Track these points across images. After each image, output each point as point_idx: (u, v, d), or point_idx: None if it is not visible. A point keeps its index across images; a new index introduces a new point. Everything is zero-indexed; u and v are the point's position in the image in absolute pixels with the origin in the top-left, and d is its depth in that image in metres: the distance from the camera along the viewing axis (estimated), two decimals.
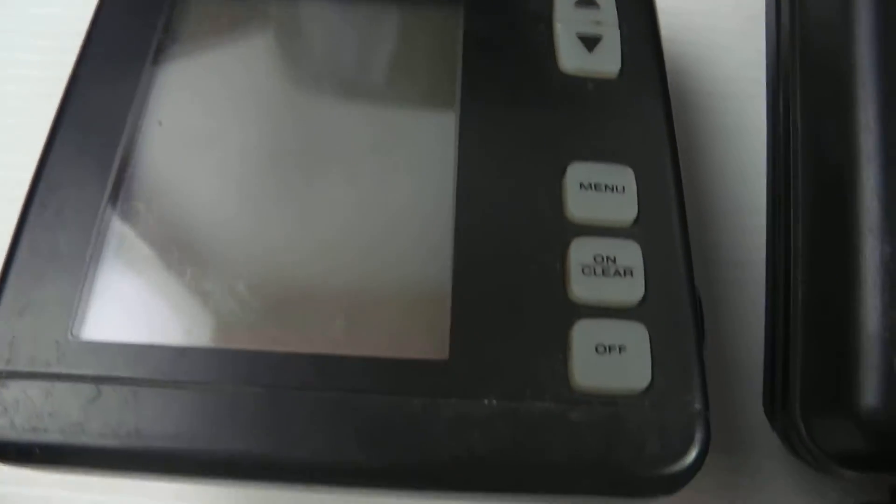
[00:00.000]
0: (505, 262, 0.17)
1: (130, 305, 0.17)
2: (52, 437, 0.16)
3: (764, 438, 0.21)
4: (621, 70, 0.20)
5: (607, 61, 0.20)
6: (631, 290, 0.17)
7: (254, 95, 0.20)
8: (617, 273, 0.17)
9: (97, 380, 0.16)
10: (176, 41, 0.21)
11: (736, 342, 0.23)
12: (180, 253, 0.18)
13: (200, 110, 0.20)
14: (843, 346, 0.17)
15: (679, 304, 0.17)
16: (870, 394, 0.17)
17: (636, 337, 0.16)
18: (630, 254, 0.17)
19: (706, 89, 0.26)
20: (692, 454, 0.16)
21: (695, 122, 0.26)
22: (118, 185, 0.18)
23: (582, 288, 0.17)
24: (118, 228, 0.18)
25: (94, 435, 0.15)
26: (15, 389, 0.16)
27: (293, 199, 0.18)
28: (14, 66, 0.27)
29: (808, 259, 0.19)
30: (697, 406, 0.16)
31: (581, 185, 0.18)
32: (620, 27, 0.20)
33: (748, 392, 0.22)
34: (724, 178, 0.25)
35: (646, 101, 0.19)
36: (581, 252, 0.17)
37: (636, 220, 0.18)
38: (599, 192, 0.18)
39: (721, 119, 0.26)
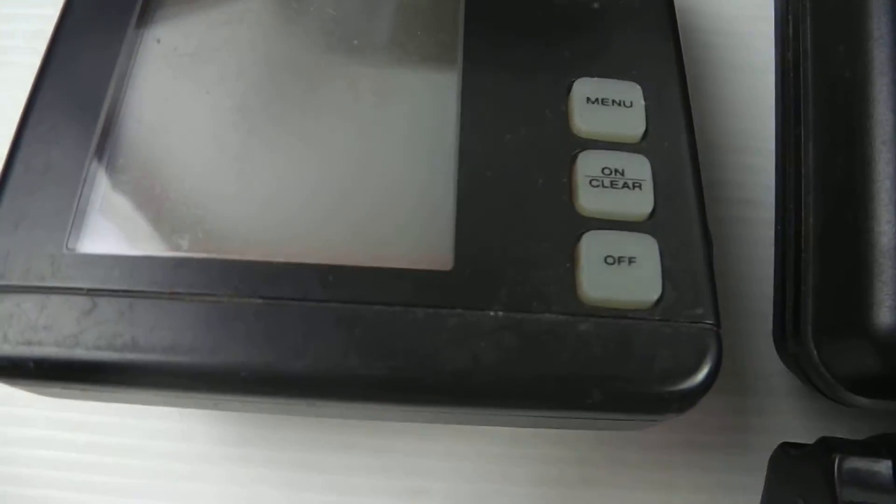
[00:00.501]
0: (510, 174, 0.17)
1: (126, 218, 0.17)
2: (47, 350, 0.15)
3: (776, 370, 0.21)
4: None
5: None
6: (640, 203, 0.16)
7: (249, 49, 0.19)
8: (626, 186, 0.16)
9: (92, 292, 0.16)
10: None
11: (744, 279, 0.22)
12: (178, 167, 0.17)
13: (200, 29, 0.19)
14: (857, 264, 0.17)
15: (689, 219, 0.16)
16: (885, 311, 0.16)
17: (646, 249, 0.16)
18: (639, 167, 0.17)
19: (713, 27, 0.26)
20: (704, 370, 0.15)
21: (702, 58, 0.25)
22: (114, 105, 0.18)
23: (590, 200, 0.16)
24: (114, 144, 0.17)
25: (89, 347, 0.15)
26: (9, 303, 0.16)
27: (293, 126, 0.18)
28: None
29: (819, 179, 0.19)
30: (709, 321, 0.15)
31: (588, 100, 0.17)
32: None
33: (758, 329, 0.21)
34: (731, 116, 0.25)
35: (653, 19, 0.19)
36: (589, 164, 0.17)
37: (645, 135, 0.17)
38: (606, 106, 0.17)
39: (728, 56, 0.25)
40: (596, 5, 0.19)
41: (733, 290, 0.22)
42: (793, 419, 0.21)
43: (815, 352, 0.18)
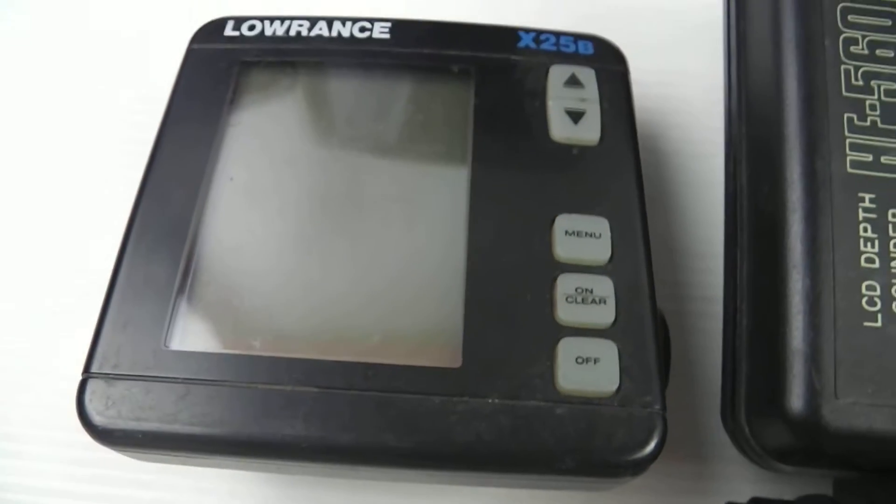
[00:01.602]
0: (506, 291, 0.22)
1: (210, 323, 0.22)
2: (152, 425, 0.20)
3: (722, 441, 0.25)
4: (601, 138, 0.24)
5: (589, 132, 0.24)
6: (604, 315, 0.21)
7: (301, 155, 0.25)
8: (594, 301, 0.21)
9: (186, 381, 0.20)
10: (239, 107, 0.25)
11: (702, 363, 0.27)
12: (249, 282, 0.22)
13: (258, 167, 0.25)
14: (776, 361, 0.22)
15: (643, 327, 0.21)
16: (795, 399, 0.21)
17: (608, 352, 0.21)
18: (604, 287, 0.22)
19: (675, 149, 0.31)
20: (652, 444, 0.20)
21: (666, 177, 0.31)
22: (196, 231, 0.23)
23: (566, 313, 0.21)
24: (198, 262, 0.22)
25: (184, 423, 0.20)
26: (121, 388, 0.20)
27: (337, 241, 0.23)
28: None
29: (750, 291, 0.24)
30: (657, 406, 0.20)
31: (566, 232, 0.22)
32: (601, 103, 0.25)
33: (712, 406, 0.26)
34: (694, 225, 0.30)
35: (621, 164, 0.24)
36: (565, 285, 0.22)
37: (610, 260, 0.22)
38: (581, 237, 0.22)
39: (691, 176, 0.31)
40: (575, 151, 0.24)
41: (692, 374, 0.27)
42: (735, 482, 0.25)
43: (747, 428, 0.23)
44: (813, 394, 0.21)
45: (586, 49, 0.27)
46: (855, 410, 0.21)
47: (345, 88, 0.26)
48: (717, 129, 0.30)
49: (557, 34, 0.27)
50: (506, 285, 0.22)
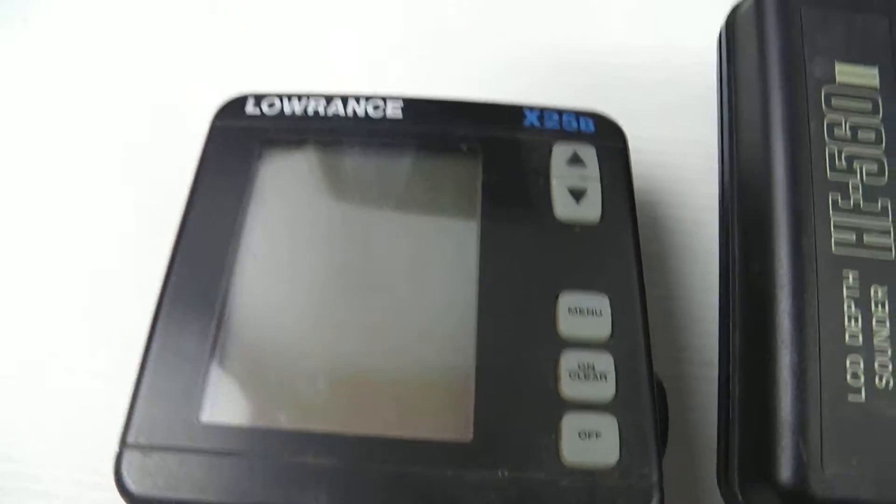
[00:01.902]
0: (514, 366, 0.23)
1: (239, 396, 0.23)
2: (186, 495, 0.21)
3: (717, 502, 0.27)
4: (601, 217, 0.26)
5: (590, 210, 0.26)
6: (605, 390, 0.23)
7: (321, 230, 0.27)
8: (595, 377, 0.23)
9: (217, 453, 0.22)
10: (262, 183, 0.27)
11: (700, 424, 0.28)
12: (273, 355, 0.24)
13: (282, 243, 0.26)
14: (765, 431, 0.23)
15: (642, 400, 0.23)
16: (784, 469, 0.23)
17: (609, 426, 0.22)
18: (605, 362, 0.23)
19: (674, 214, 0.33)
20: None
21: (665, 241, 0.32)
22: (224, 304, 0.24)
23: (570, 388, 0.23)
24: (227, 336, 0.24)
25: (217, 494, 0.21)
26: (156, 459, 0.22)
27: (356, 314, 0.25)
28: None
29: (742, 361, 0.25)
30: (654, 478, 0.22)
31: (570, 310, 0.24)
32: (602, 181, 0.27)
33: (710, 468, 0.28)
34: (689, 289, 0.31)
35: (620, 241, 0.26)
36: (569, 361, 0.23)
37: (611, 337, 0.24)
38: (583, 315, 0.24)
39: (690, 240, 0.32)
40: (577, 230, 0.26)
41: (690, 435, 0.28)
42: None
43: (739, 495, 0.24)
44: (800, 464, 0.22)
45: (587, 126, 0.28)
46: (841, 481, 0.22)
47: (360, 166, 0.28)
48: (714, 195, 0.32)
49: (560, 112, 0.29)
50: (514, 360, 0.23)
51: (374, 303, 0.25)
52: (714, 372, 0.29)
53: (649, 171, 0.33)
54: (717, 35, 0.32)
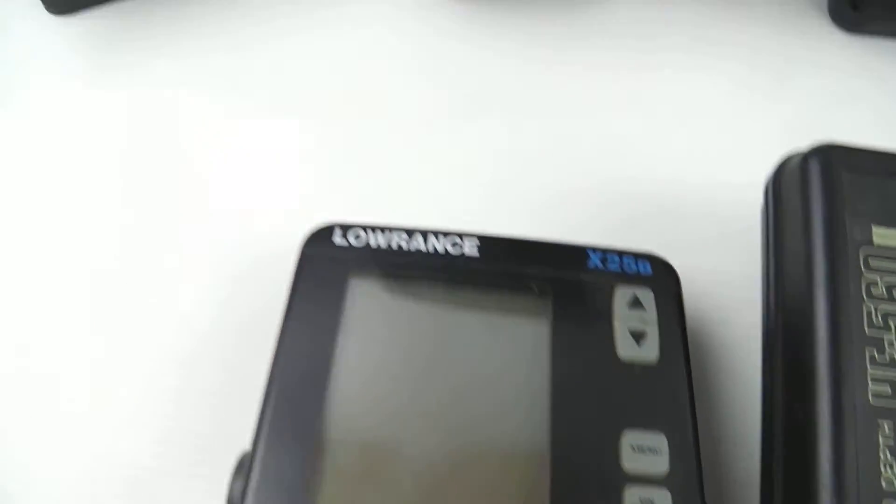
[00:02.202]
0: (582, 500, 0.26)
1: None
2: None
3: None
4: (659, 358, 0.29)
5: (649, 351, 0.29)
6: None
7: (404, 361, 0.30)
8: None
9: None
10: (350, 313, 0.30)
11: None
12: (369, 482, 0.27)
13: (371, 369, 0.29)
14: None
15: None
16: None
17: None
18: (663, 498, 0.26)
19: (720, 343, 0.36)
20: None
21: (710, 367, 0.35)
22: (321, 432, 0.28)
23: None
24: (325, 466, 0.27)
25: None
26: None
27: (441, 451, 0.28)
28: None
29: (783, 502, 0.28)
30: None
31: (632, 448, 0.27)
32: (659, 324, 0.30)
33: None
34: (733, 414, 0.34)
35: (676, 382, 0.29)
36: (632, 496, 0.26)
37: (668, 473, 0.27)
38: (644, 453, 0.27)
39: (732, 365, 0.35)
40: (637, 370, 0.29)
41: None
42: None
43: None
44: None
45: (645, 269, 0.32)
46: None
47: (440, 300, 0.31)
48: (757, 325, 0.35)
49: (620, 254, 0.32)
50: (582, 494, 0.26)
51: (455, 439, 0.28)
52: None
53: (696, 302, 0.36)
54: (765, 184, 0.35)
